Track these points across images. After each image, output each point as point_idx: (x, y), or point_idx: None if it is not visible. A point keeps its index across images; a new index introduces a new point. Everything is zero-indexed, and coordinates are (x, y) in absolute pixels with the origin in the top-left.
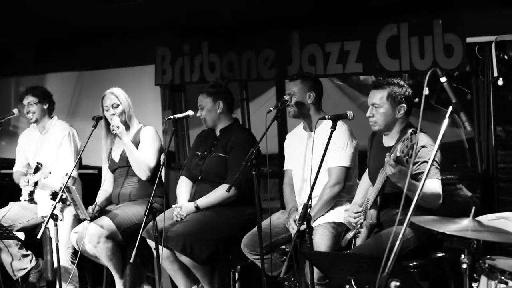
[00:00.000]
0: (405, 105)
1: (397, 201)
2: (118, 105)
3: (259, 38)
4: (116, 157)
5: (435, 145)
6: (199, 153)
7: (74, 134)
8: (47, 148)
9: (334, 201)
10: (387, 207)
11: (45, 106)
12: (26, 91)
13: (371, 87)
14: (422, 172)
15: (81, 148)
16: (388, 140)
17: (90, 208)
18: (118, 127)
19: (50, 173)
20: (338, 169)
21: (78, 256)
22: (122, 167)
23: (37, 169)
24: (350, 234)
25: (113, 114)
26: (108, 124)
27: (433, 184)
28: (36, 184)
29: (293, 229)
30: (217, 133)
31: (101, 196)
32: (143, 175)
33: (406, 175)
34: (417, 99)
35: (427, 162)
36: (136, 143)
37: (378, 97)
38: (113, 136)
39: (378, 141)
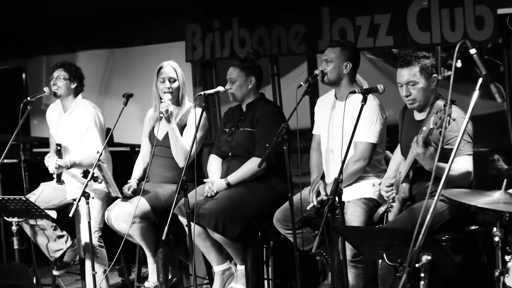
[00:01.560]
0: (437, 75)
1: (429, 174)
2: (175, 80)
3: (289, 13)
4: (159, 134)
5: (465, 118)
6: (227, 130)
7: (99, 116)
8: (70, 130)
9: (357, 176)
10: (419, 180)
11: (73, 85)
12: (60, 65)
13: (398, 66)
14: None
15: (107, 126)
16: (420, 114)
17: (125, 188)
18: (167, 111)
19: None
20: (364, 144)
21: (110, 238)
22: (164, 147)
23: (57, 151)
24: (382, 209)
25: (169, 88)
26: (159, 97)
27: (462, 163)
28: (59, 167)
29: (311, 202)
30: (244, 109)
31: (137, 171)
32: (182, 162)
33: (431, 158)
34: (450, 72)
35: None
36: (183, 126)
37: (412, 73)
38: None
39: (410, 115)
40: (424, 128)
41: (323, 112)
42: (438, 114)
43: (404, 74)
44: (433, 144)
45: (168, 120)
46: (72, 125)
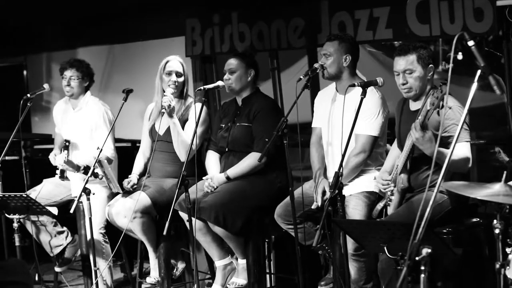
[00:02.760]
0: (433, 65)
1: (427, 163)
2: (181, 75)
3: (288, 7)
4: (160, 129)
5: (464, 108)
6: (223, 125)
7: (108, 113)
8: (79, 127)
9: (359, 169)
10: (417, 170)
11: (85, 84)
12: (71, 64)
13: (396, 54)
14: (451, 136)
15: (114, 122)
16: (415, 104)
17: (125, 182)
18: (169, 106)
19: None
20: (366, 137)
21: (112, 233)
22: (165, 142)
23: (65, 147)
24: (380, 205)
25: (175, 83)
26: (162, 90)
27: (461, 149)
28: (68, 162)
29: (316, 202)
30: (239, 103)
31: (137, 166)
32: (184, 156)
33: (430, 141)
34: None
35: (456, 124)
36: (184, 120)
37: (409, 61)
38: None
39: (406, 107)
40: (421, 113)
41: (323, 105)
42: (435, 94)
43: (401, 63)
44: (432, 130)
45: (170, 114)
46: (81, 122)
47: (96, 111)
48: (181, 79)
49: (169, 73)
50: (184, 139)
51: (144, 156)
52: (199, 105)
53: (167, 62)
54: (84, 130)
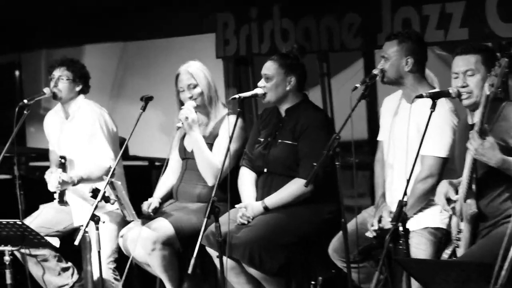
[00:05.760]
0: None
1: (498, 186)
2: (195, 86)
3: (341, 0)
4: (189, 145)
5: None
6: (262, 139)
7: (105, 118)
8: (73, 140)
9: (427, 198)
10: (489, 192)
11: (77, 88)
12: (61, 62)
13: (455, 54)
14: None
15: (121, 136)
16: (473, 115)
17: (145, 205)
18: (186, 118)
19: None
20: (433, 159)
21: (126, 268)
22: (195, 160)
23: (61, 165)
24: (447, 252)
25: (191, 97)
26: (181, 103)
27: None
28: (63, 183)
29: (372, 232)
30: (283, 113)
31: (162, 188)
32: (210, 179)
33: (493, 149)
34: None
35: None
36: (215, 136)
37: (472, 61)
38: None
39: (463, 123)
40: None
41: (386, 116)
42: (494, 71)
43: (462, 63)
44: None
45: (190, 128)
46: (76, 133)
47: (89, 116)
48: (196, 90)
49: (182, 89)
50: (208, 157)
51: (170, 177)
52: (232, 117)
53: (177, 76)
54: (81, 142)
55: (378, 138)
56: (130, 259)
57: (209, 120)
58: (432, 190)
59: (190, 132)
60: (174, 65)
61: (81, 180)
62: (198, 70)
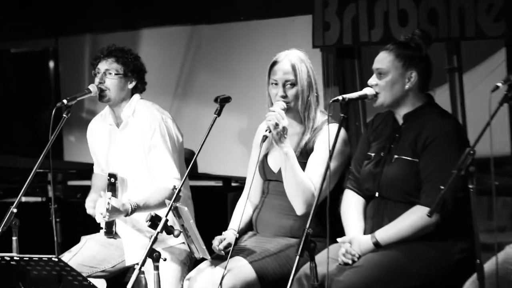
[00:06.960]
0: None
1: None
2: (293, 84)
3: None
4: (274, 165)
5: None
6: (373, 155)
7: (168, 126)
8: (127, 154)
9: None
10: None
11: (130, 85)
12: (108, 52)
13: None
14: None
15: (188, 148)
16: None
17: (216, 240)
18: (276, 125)
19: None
20: None
21: None
22: (282, 183)
23: (111, 186)
24: None
25: (283, 97)
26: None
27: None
28: (113, 210)
29: None
30: (400, 120)
31: (237, 217)
32: (301, 207)
33: None
34: None
35: None
36: (308, 150)
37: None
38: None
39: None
40: None
41: None
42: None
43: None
44: None
45: (279, 139)
46: (130, 145)
47: (147, 123)
48: (292, 91)
49: (275, 82)
50: (301, 179)
51: (250, 204)
52: (333, 126)
53: (273, 64)
54: (136, 157)
55: None
56: None
57: (304, 130)
58: None
59: (280, 144)
60: (257, 57)
61: (137, 209)
62: (302, 64)
